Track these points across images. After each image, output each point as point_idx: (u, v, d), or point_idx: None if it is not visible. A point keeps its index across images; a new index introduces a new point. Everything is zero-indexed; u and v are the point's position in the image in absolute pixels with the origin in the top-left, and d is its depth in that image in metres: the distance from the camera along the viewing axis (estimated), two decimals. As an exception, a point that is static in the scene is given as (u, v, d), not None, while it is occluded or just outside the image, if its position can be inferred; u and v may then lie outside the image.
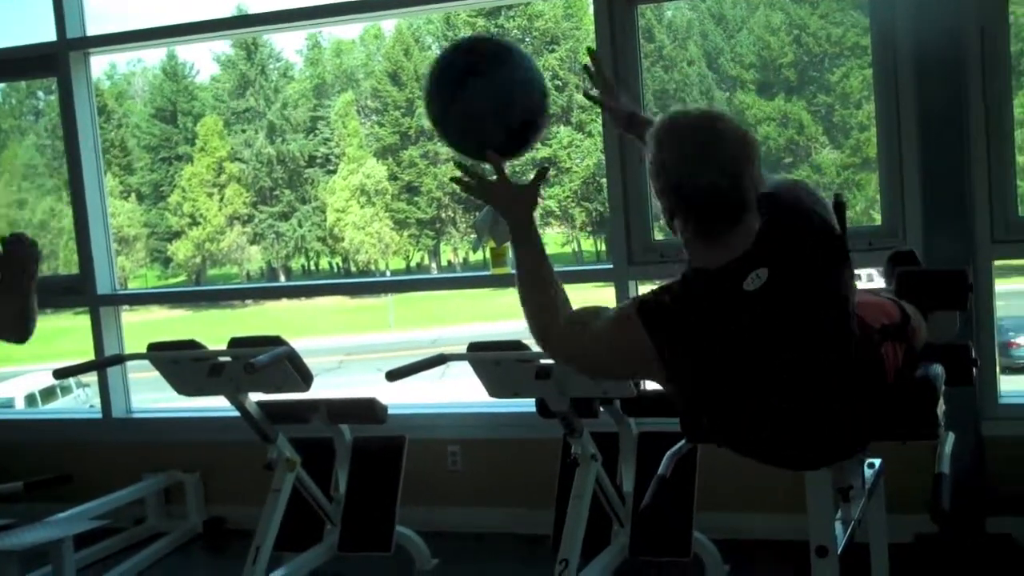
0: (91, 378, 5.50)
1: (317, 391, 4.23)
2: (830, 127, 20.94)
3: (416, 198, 24.76)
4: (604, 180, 5.78)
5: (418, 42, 25.58)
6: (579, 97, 23.53)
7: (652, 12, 20.62)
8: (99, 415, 5.54)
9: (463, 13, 23.82)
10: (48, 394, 14.44)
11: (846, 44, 20.89)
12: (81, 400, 14.72)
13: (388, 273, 24.84)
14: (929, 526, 3.98)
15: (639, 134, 2.67)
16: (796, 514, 2.64)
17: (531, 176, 2.55)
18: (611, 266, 4.70)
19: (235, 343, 4.11)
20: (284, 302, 22.58)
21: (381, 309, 22.56)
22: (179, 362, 4.17)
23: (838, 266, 2.30)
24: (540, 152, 23.17)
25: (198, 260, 25.63)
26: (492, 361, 3.76)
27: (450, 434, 4.92)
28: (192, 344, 4.18)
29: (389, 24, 25.65)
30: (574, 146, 23.30)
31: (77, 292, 5.50)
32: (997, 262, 4.18)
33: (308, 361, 4.13)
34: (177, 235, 25.53)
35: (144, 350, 4.25)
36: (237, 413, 4.15)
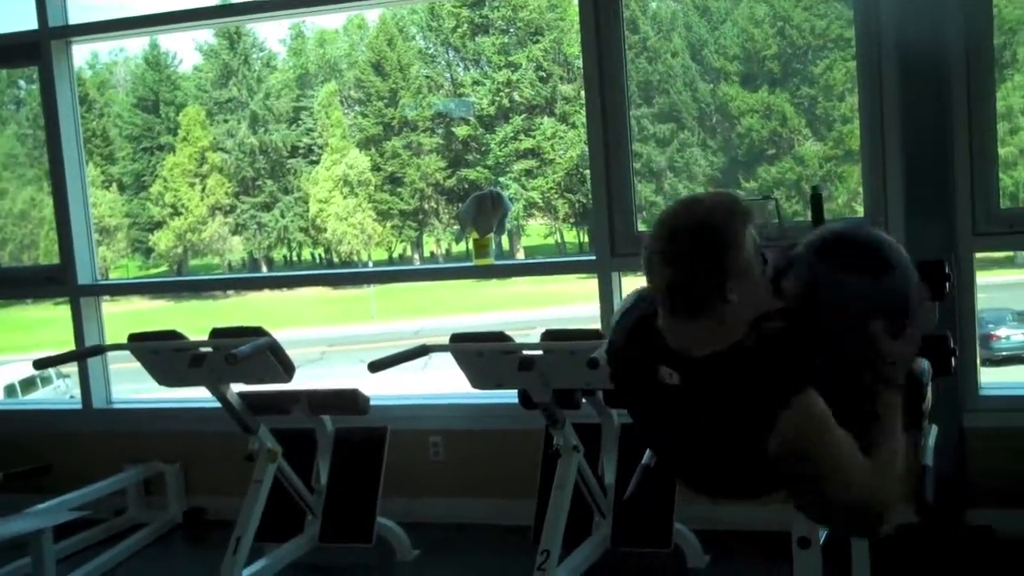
0: (71, 368, 5.48)
1: (299, 382, 4.23)
2: (813, 119, 20.95)
3: (399, 189, 24.69)
4: (587, 172, 5.78)
5: (402, 32, 25.49)
6: (563, 88, 23.56)
7: (636, 3, 20.60)
8: (79, 406, 5.52)
9: (447, 3, 23.78)
10: (28, 384, 14.36)
11: (830, 36, 20.91)
12: (61, 391, 14.65)
13: (371, 264, 24.79)
14: (909, 517, 4.00)
15: None
16: (778, 505, 2.64)
17: None
18: (594, 257, 4.70)
19: (217, 334, 4.10)
20: (266, 293, 22.50)
21: (363, 300, 22.51)
22: (160, 353, 4.16)
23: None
24: (524, 143, 23.19)
25: (180, 250, 25.49)
26: (475, 352, 3.76)
27: (432, 425, 4.92)
28: (173, 335, 4.17)
29: (373, 14, 25.59)
30: (557, 137, 23.25)
31: (58, 282, 5.47)
32: (978, 254, 4.19)
33: (290, 352, 4.13)
34: (159, 225, 25.39)
35: (125, 340, 4.23)
36: (218, 404, 4.14)
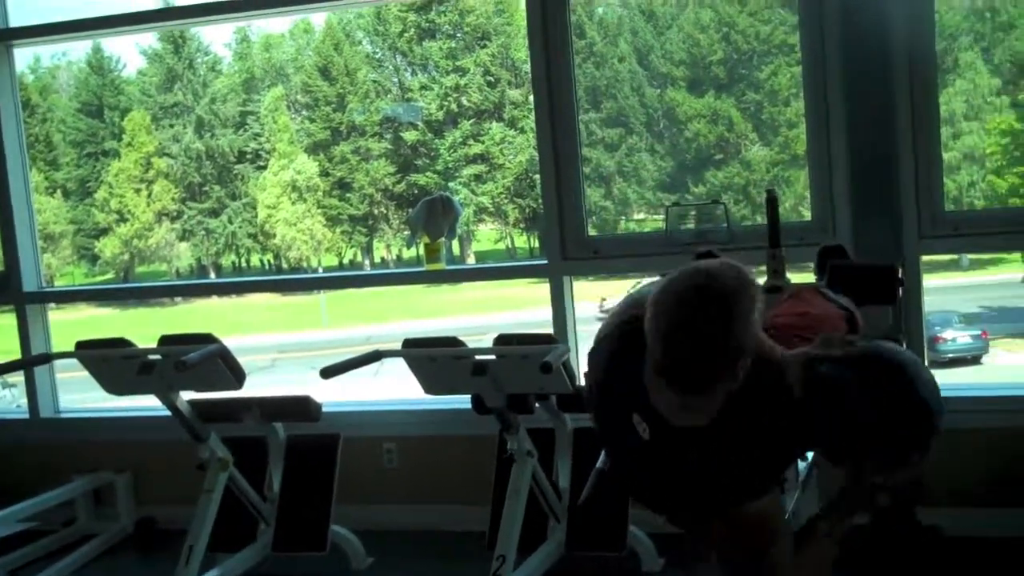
0: (17, 378, 5.41)
1: (250, 390, 4.19)
2: (759, 124, 21.14)
3: (348, 194, 24.59)
4: (537, 176, 5.79)
5: (348, 37, 25.41)
6: (511, 93, 23.58)
7: (583, 8, 20.69)
8: (26, 415, 5.45)
9: (394, 7, 23.73)
10: (-28, 394, 14.17)
11: (774, 42, 21.11)
12: (8, 400, 14.43)
13: (321, 270, 24.67)
14: (860, 518, 4.04)
15: None
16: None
17: None
18: (545, 261, 4.72)
19: (166, 341, 4.06)
20: (214, 300, 22.31)
21: (314, 306, 22.38)
22: (108, 360, 4.11)
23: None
24: (473, 148, 23.20)
25: (126, 257, 25.22)
26: (427, 357, 3.75)
27: (385, 431, 4.91)
28: (121, 342, 4.12)
29: (319, 18, 25.49)
30: (506, 142, 23.28)
31: (2, 290, 5.39)
32: (924, 258, 4.25)
33: (240, 360, 4.09)
34: (104, 232, 25.11)
35: (72, 348, 4.18)
36: (168, 412, 4.10)
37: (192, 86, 25.73)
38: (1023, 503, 4.09)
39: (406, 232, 23.41)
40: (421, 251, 4.94)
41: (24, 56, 26.38)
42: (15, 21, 5.32)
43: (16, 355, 5.20)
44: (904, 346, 2.86)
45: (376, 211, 24.72)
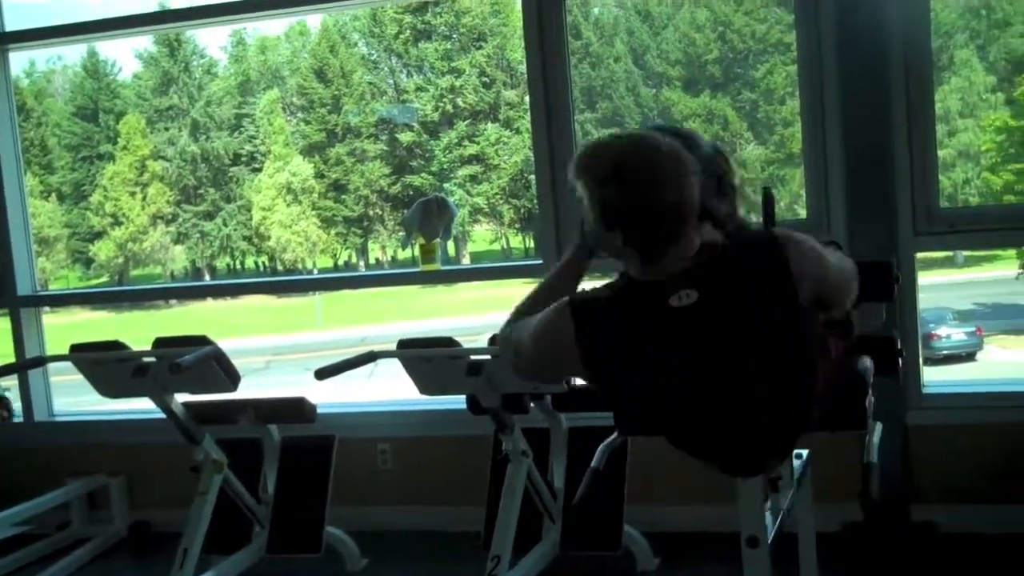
0: (11, 381, 5.39)
1: (245, 391, 4.18)
2: (754, 123, 21.19)
3: (343, 196, 24.61)
4: (532, 177, 5.78)
5: (344, 39, 25.43)
6: (507, 94, 23.60)
7: (579, 9, 20.71)
8: (20, 418, 5.43)
9: (390, 9, 23.74)
10: (-34, 398, 14.13)
11: (770, 41, 21.16)
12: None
13: (315, 272, 24.68)
14: (855, 515, 4.05)
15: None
16: (726, 505, 2.66)
17: None
18: (540, 261, 4.71)
19: (160, 343, 4.04)
20: (209, 302, 22.29)
21: (308, 308, 22.39)
22: (103, 363, 4.10)
23: (786, 306, 2.27)
24: (468, 149, 23.21)
25: (120, 260, 25.23)
26: (422, 358, 3.74)
27: (380, 433, 4.89)
28: (116, 345, 4.10)
29: (315, 20, 25.51)
30: (502, 143, 23.32)
31: (-4, 293, 5.38)
32: (919, 255, 4.25)
33: (235, 362, 4.08)
34: (99, 235, 25.12)
35: (66, 352, 4.17)
36: (163, 415, 4.08)
37: (187, 89, 25.76)
38: (1019, 499, 4.09)
39: (401, 233, 23.44)
40: (416, 252, 4.92)
41: (19, 60, 26.38)
42: (10, 25, 5.30)
43: (10, 359, 5.19)
44: (899, 344, 2.85)
45: (371, 212, 24.75)
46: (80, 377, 4.14)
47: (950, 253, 17.42)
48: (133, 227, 24.81)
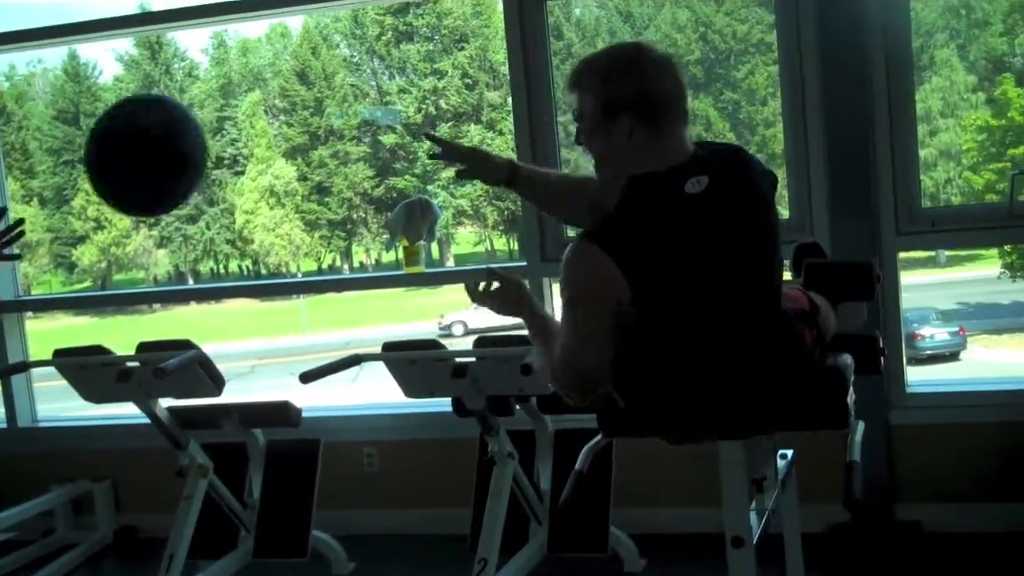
0: (-6, 387, 5.37)
1: (229, 396, 4.17)
2: (737, 123, 21.24)
3: (327, 199, 24.59)
4: (516, 178, 5.76)
5: (326, 40, 25.41)
6: (490, 95, 23.61)
7: (560, 9, 20.73)
8: (3, 424, 5.40)
9: (371, 11, 23.72)
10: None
11: (751, 41, 21.23)
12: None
13: (299, 275, 24.63)
14: (840, 515, 4.06)
15: (524, 186, 2.95)
16: (711, 507, 2.66)
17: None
18: (524, 263, 4.71)
19: (144, 348, 4.03)
20: (193, 307, 22.27)
21: (293, 312, 22.36)
22: (86, 368, 4.08)
23: (773, 192, 2.53)
24: (451, 151, 23.15)
25: (103, 265, 25.15)
26: (407, 360, 3.74)
27: (365, 436, 4.88)
28: (99, 349, 4.09)
29: (296, 22, 25.47)
30: (485, 144, 23.31)
31: (-22, 299, 5.35)
32: (901, 255, 4.27)
33: (219, 367, 4.07)
34: (81, 240, 25.03)
35: (50, 357, 4.15)
36: (147, 420, 4.07)
37: (169, 92, 25.67)
38: (1007, 498, 4.10)
39: (385, 236, 23.42)
40: (400, 254, 4.92)
41: (-1, 63, 26.23)
42: (-12, 28, 5.28)
43: (-7, 364, 5.17)
44: (881, 343, 2.86)
45: (355, 215, 24.72)
46: (63, 382, 4.13)
47: (933, 253, 17.51)
48: (116, 231, 24.73)
